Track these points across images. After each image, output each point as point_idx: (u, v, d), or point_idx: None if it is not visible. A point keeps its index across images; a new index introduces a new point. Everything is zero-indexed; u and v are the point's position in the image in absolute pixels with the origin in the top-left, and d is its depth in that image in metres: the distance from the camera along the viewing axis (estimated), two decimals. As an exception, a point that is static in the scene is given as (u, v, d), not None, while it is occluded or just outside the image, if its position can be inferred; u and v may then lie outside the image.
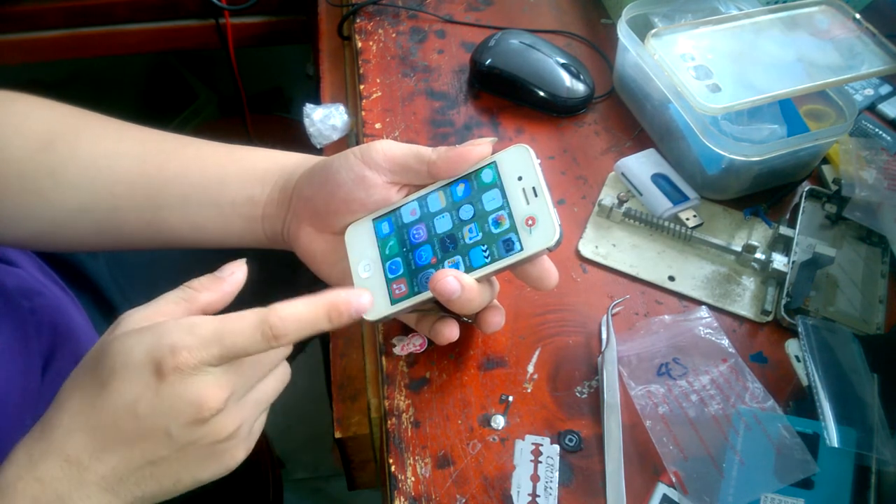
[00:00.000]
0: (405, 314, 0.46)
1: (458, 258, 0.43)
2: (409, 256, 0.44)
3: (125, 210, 0.47)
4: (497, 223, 0.43)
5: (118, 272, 0.64)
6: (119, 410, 0.34)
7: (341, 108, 0.71)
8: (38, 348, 0.50)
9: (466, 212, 0.44)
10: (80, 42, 1.07)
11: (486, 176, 0.44)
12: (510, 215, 0.42)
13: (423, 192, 0.45)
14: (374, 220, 0.46)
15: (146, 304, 0.38)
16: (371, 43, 0.72)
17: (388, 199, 0.46)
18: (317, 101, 0.73)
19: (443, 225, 0.44)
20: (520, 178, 0.43)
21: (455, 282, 0.41)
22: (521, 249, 0.41)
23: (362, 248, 0.46)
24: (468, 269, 0.42)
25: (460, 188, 0.44)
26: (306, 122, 0.70)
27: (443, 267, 0.43)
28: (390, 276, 0.44)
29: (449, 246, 0.44)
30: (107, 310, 0.63)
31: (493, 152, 0.44)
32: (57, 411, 0.35)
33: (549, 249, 0.41)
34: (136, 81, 1.54)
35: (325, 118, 0.70)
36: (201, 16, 1.07)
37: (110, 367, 0.35)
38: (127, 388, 0.34)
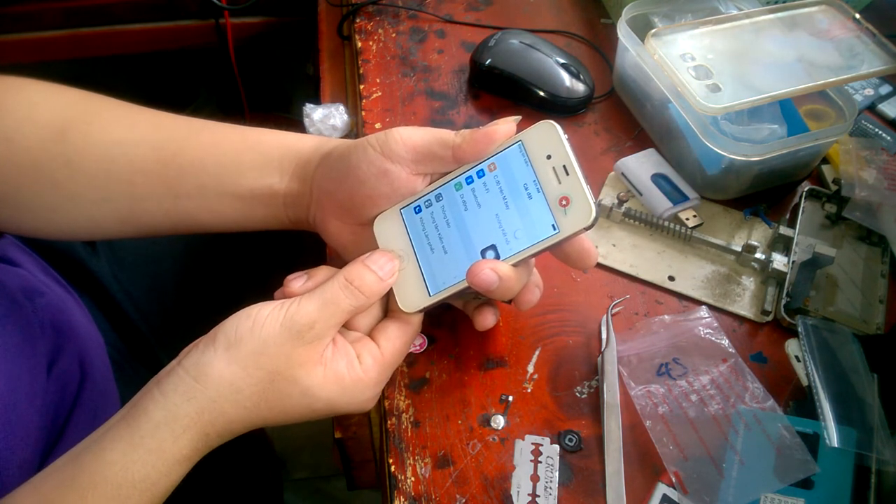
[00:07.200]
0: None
1: (492, 244, 0.42)
2: (441, 245, 0.43)
3: (143, 198, 0.47)
4: (529, 205, 0.41)
5: (120, 270, 0.64)
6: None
7: (341, 107, 0.71)
8: (41, 348, 0.50)
9: (496, 196, 0.42)
10: (80, 42, 1.07)
11: (514, 157, 0.42)
12: (543, 196, 0.41)
13: (449, 178, 0.44)
14: (401, 209, 0.44)
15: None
16: (371, 43, 0.72)
17: (413, 190, 0.44)
18: (317, 101, 0.73)
19: (473, 211, 0.43)
20: (549, 157, 0.41)
21: (492, 274, 0.40)
22: (557, 231, 0.40)
23: (393, 240, 0.44)
24: (503, 255, 0.41)
25: (487, 171, 0.43)
26: (306, 122, 0.70)
27: (477, 254, 0.42)
28: (424, 266, 0.43)
29: (481, 232, 0.42)
30: (109, 308, 0.62)
31: (518, 131, 0.42)
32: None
33: (586, 229, 0.40)
34: (136, 81, 1.54)
35: (324, 118, 0.70)
36: (201, 16, 1.08)
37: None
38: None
